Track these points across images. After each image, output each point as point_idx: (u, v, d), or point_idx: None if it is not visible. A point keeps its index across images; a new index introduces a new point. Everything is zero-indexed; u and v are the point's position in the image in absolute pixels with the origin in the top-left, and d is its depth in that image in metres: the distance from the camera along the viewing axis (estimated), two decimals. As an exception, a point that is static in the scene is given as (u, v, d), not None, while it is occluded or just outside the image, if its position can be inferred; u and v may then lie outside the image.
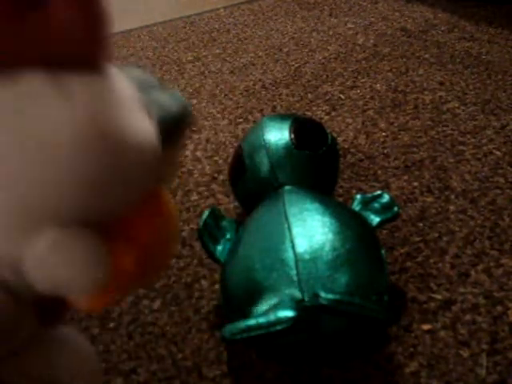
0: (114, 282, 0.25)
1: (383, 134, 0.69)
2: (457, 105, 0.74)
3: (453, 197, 0.57)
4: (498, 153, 0.63)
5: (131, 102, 0.25)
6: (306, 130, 0.51)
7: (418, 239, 0.52)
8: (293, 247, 0.39)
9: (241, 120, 0.76)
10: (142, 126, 0.25)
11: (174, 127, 0.27)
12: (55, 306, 0.30)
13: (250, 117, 0.76)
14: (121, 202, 0.25)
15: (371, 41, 0.96)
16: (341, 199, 0.59)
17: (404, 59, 0.88)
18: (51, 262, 0.23)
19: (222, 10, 1.19)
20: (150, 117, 0.26)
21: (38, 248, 0.23)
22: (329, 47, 0.95)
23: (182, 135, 0.28)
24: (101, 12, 0.24)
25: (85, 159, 0.23)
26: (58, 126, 0.22)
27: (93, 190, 0.23)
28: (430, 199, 0.57)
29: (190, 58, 0.97)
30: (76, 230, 0.23)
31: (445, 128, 0.69)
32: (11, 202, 0.23)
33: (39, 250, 0.23)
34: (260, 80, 0.86)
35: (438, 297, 0.46)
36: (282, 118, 0.52)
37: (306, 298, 0.37)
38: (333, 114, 0.75)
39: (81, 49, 0.24)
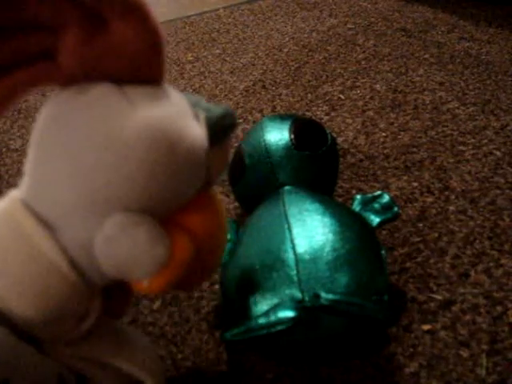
0: (172, 266, 0.28)
1: (383, 134, 0.69)
2: (457, 105, 0.74)
3: (453, 197, 0.57)
4: (497, 153, 0.63)
5: (184, 109, 0.29)
6: (305, 131, 0.51)
7: (417, 239, 0.52)
8: (293, 247, 0.39)
9: (241, 120, 0.76)
10: (193, 129, 0.29)
11: (219, 129, 0.30)
12: (120, 295, 0.33)
13: (249, 117, 0.76)
14: (178, 195, 0.29)
15: (371, 41, 0.96)
16: (341, 199, 0.59)
17: (404, 59, 0.88)
18: (117, 240, 0.27)
19: (221, 11, 1.19)
20: (199, 121, 0.30)
21: (107, 229, 0.27)
22: (328, 47, 0.95)
23: (228, 137, 0.32)
24: (156, 28, 0.27)
25: (145, 155, 0.27)
26: (122, 126, 0.26)
27: (153, 181, 0.27)
28: (429, 199, 0.57)
29: (189, 59, 0.97)
30: (140, 215, 0.27)
31: (444, 128, 0.69)
32: (87, 191, 0.26)
33: (107, 231, 0.27)
34: (260, 80, 0.86)
35: (438, 297, 0.46)
36: (282, 118, 0.52)
37: (307, 299, 0.37)
38: (332, 114, 0.75)
39: (142, 65, 0.28)
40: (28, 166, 0.28)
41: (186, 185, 0.29)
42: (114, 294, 0.32)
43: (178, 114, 0.29)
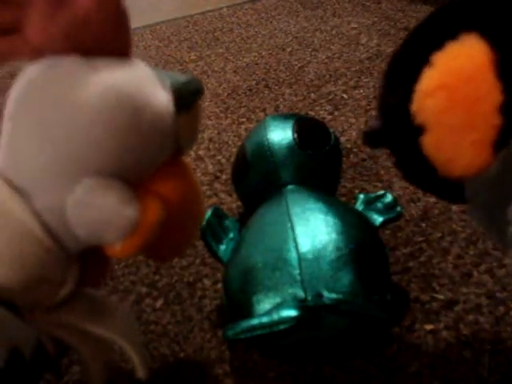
0: (143, 228, 0.29)
1: (386, 133, 0.69)
2: (460, 105, 0.73)
3: (456, 197, 0.57)
4: (501, 153, 0.63)
5: (149, 76, 0.30)
6: (308, 130, 0.51)
7: (420, 239, 0.52)
8: (296, 247, 0.39)
9: (244, 119, 0.76)
10: (159, 94, 0.30)
11: (185, 94, 0.31)
12: (97, 263, 0.33)
13: (252, 116, 0.76)
14: (147, 160, 0.30)
15: (374, 40, 0.95)
16: (344, 199, 0.58)
17: (407, 59, 0.87)
18: (88, 203, 0.28)
19: (225, 10, 1.19)
20: (164, 88, 0.30)
21: (78, 193, 0.28)
22: (332, 47, 0.95)
23: (195, 103, 0.32)
24: (119, 5, 0.28)
25: (110, 119, 0.28)
26: (88, 93, 0.27)
27: (120, 145, 0.28)
28: (432, 199, 0.57)
29: (193, 58, 0.97)
30: (110, 179, 0.28)
31: (448, 128, 0.69)
32: (57, 156, 0.28)
33: (78, 195, 0.28)
34: (263, 79, 0.86)
35: (441, 297, 0.46)
36: (285, 117, 0.52)
37: (309, 298, 0.37)
38: (336, 113, 0.75)
39: (107, 35, 0.28)
40: (2, 139, 0.29)
41: (155, 150, 0.30)
42: (91, 262, 0.33)
43: (144, 80, 0.30)
